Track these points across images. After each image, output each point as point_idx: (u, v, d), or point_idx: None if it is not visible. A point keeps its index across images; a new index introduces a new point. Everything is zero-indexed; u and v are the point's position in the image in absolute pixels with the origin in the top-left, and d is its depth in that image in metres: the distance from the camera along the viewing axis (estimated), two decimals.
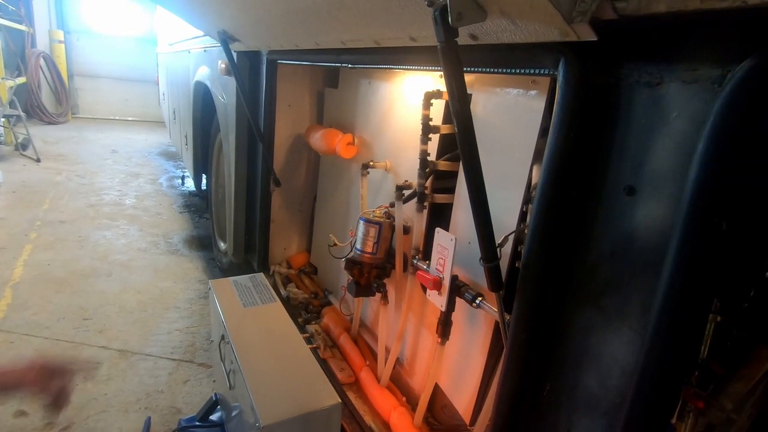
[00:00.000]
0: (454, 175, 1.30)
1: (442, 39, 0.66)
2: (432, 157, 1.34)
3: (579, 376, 0.78)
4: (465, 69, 0.70)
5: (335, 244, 1.63)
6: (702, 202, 0.56)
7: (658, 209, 0.64)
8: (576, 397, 0.79)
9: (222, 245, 3.02)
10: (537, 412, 0.86)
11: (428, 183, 1.35)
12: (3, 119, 5.72)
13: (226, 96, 2.43)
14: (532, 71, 0.83)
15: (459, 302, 1.18)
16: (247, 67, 2.15)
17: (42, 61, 7.72)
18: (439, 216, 1.36)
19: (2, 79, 5.91)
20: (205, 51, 2.86)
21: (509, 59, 0.85)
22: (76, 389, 2.09)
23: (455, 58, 0.68)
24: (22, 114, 5.88)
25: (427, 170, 1.32)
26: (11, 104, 5.76)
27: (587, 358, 0.76)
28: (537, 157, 0.99)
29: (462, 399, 1.29)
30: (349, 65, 1.48)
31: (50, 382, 0.94)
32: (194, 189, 4.41)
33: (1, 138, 5.87)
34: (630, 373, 0.69)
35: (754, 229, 0.59)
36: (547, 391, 0.84)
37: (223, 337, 1.34)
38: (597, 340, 0.74)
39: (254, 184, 2.34)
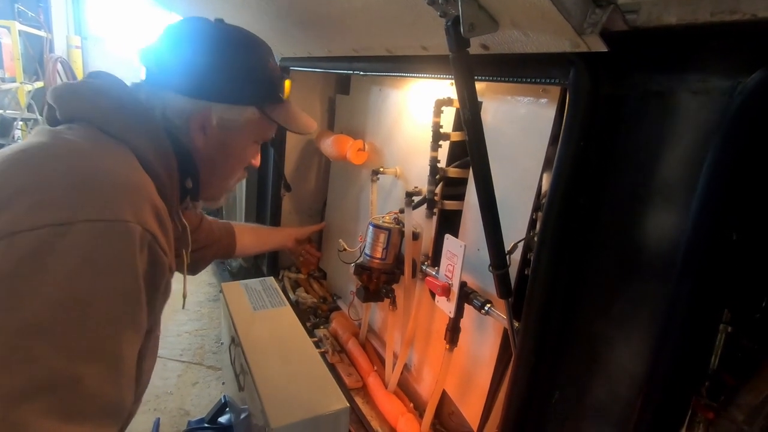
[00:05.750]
0: (463, 182, 1.31)
1: (453, 49, 0.67)
2: (442, 164, 1.35)
3: (588, 385, 0.78)
4: (476, 77, 0.71)
5: (344, 249, 1.65)
6: (711, 212, 0.56)
7: (668, 219, 0.65)
8: (585, 406, 0.79)
9: None
10: (545, 420, 0.86)
11: (438, 189, 1.36)
12: (21, 122, 5.85)
13: None
14: (542, 80, 0.83)
15: (467, 309, 1.18)
16: None
17: (59, 66, 7.88)
18: (449, 222, 1.37)
19: (21, 83, 6.04)
20: None
21: (520, 69, 0.86)
22: None
23: (467, 68, 0.69)
24: (39, 117, 6.00)
25: (437, 177, 1.33)
26: (29, 108, 5.89)
27: (596, 366, 0.76)
28: (547, 164, 1.00)
29: (470, 406, 1.28)
30: (361, 73, 1.50)
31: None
32: None
33: (19, 140, 5.99)
34: (639, 383, 0.69)
35: (764, 239, 0.59)
36: (555, 400, 0.84)
37: (233, 340, 1.36)
38: (606, 349, 0.74)
39: (265, 189, 2.36)
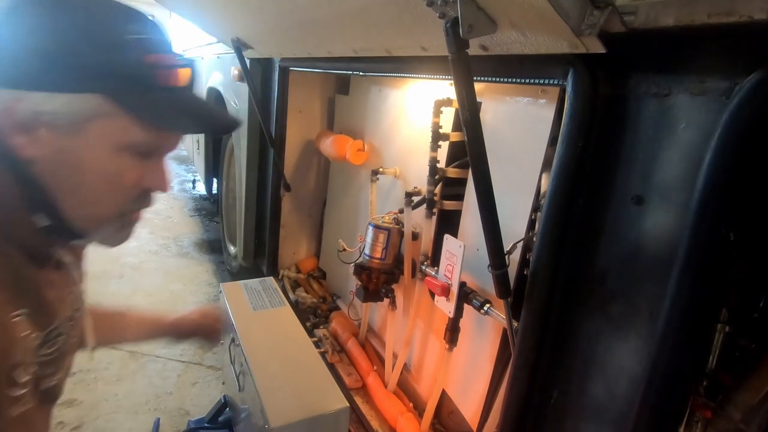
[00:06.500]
0: (463, 182, 1.32)
1: (453, 50, 0.67)
2: (441, 164, 1.35)
3: (586, 384, 0.78)
4: (475, 78, 0.71)
5: (344, 249, 1.65)
6: (709, 212, 0.57)
7: (666, 219, 0.65)
8: (583, 405, 0.79)
9: (232, 249, 3.05)
10: (544, 419, 0.86)
11: (437, 190, 1.36)
12: None
13: (238, 102, 2.47)
14: (541, 81, 0.84)
15: (467, 309, 1.19)
16: (259, 74, 2.19)
17: None
18: (448, 223, 1.37)
19: None
20: (218, 58, 2.91)
21: (519, 69, 0.86)
22: (87, 389, 2.12)
23: (466, 69, 0.69)
24: None
25: (437, 177, 1.34)
26: None
27: (594, 366, 0.77)
28: (546, 165, 1.00)
29: (469, 405, 1.29)
30: (361, 73, 1.50)
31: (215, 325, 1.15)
32: (205, 193, 4.47)
33: None
34: (637, 382, 0.69)
35: (762, 240, 0.59)
36: (554, 399, 0.84)
37: (233, 340, 1.36)
38: (604, 348, 0.75)
39: (265, 189, 2.37)
